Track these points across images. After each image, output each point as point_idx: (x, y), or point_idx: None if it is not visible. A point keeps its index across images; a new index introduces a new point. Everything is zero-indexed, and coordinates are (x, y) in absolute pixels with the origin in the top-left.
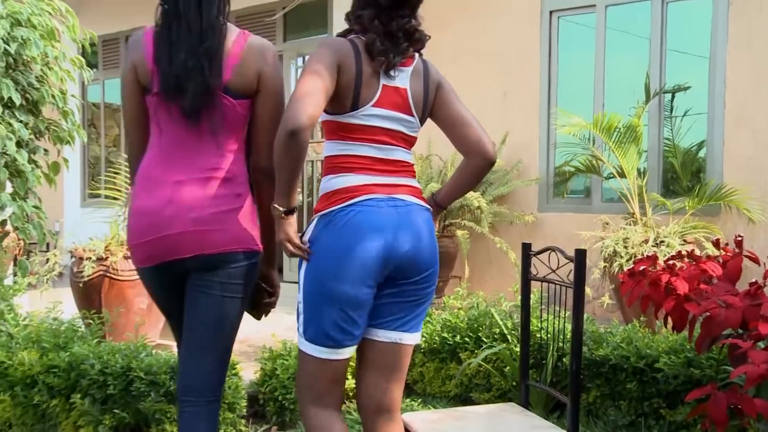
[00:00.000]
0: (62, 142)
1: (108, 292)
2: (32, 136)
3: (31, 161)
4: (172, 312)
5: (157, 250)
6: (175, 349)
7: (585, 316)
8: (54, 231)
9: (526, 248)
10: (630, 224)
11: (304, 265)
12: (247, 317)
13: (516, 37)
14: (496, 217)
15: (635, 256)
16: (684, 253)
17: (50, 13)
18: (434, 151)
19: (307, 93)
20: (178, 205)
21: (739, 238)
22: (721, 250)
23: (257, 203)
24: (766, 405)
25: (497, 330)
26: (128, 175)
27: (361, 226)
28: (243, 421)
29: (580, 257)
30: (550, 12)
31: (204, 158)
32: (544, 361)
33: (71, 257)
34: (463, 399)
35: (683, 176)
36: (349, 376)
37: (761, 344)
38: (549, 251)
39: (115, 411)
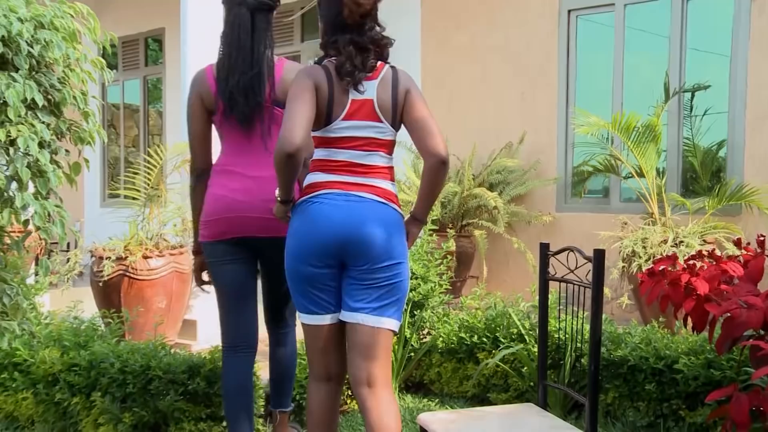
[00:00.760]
0: (83, 142)
1: (127, 291)
2: (54, 137)
3: (52, 161)
4: (227, 280)
5: (230, 227)
6: (193, 348)
7: (603, 316)
8: (75, 230)
9: (544, 248)
10: (649, 224)
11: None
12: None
13: (534, 37)
14: (513, 217)
15: (654, 257)
16: (704, 252)
17: (72, 16)
18: (451, 150)
19: (297, 117)
20: (246, 193)
21: (762, 238)
22: (743, 250)
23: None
24: None
25: (515, 330)
26: (147, 176)
27: (316, 214)
28: (261, 420)
29: (598, 257)
30: (569, 11)
31: (256, 157)
32: (561, 362)
33: (91, 257)
34: (480, 399)
35: (703, 176)
36: None
37: None
38: (567, 251)
39: (135, 409)
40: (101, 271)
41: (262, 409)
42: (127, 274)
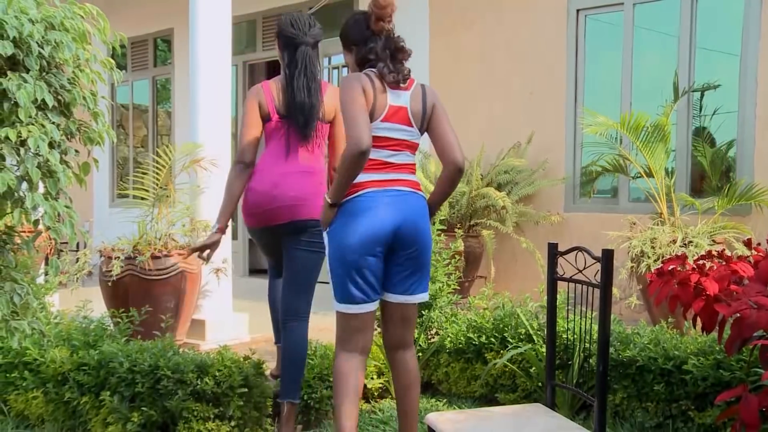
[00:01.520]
0: (92, 142)
1: (136, 291)
2: (64, 137)
3: (62, 162)
4: (272, 254)
5: (265, 217)
6: (202, 348)
7: (612, 316)
8: (84, 230)
9: (553, 248)
10: (657, 224)
11: (329, 243)
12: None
13: (543, 36)
14: (521, 217)
15: (663, 257)
16: (714, 253)
17: (82, 17)
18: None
19: (360, 120)
20: (282, 189)
21: None
22: (753, 250)
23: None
24: None
25: (523, 330)
26: (155, 176)
27: (364, 210)
28: (269, 420)
29: (607, 257)
30: (577, 10)
31: (301, 160)
32: (570, 362)
33: (100, 256)
34: (488, 399)
35: (712, 176)
36: (375, 376)
37: None
38: (575, 251)
39: (143, 408)
40: (110, 271)
41: (270, 409)
42: (136, 273)
